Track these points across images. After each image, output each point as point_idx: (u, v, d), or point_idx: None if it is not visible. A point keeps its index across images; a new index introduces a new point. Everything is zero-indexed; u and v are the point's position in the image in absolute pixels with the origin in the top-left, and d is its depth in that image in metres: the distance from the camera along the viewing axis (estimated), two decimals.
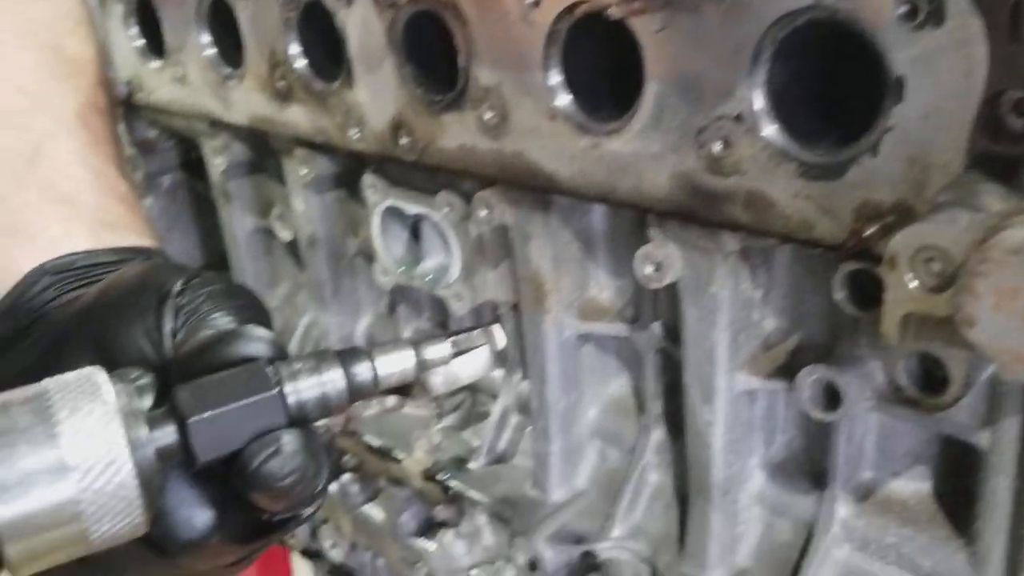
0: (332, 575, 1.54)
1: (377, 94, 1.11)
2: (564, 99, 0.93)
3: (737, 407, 0.98)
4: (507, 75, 0.96)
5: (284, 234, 1.45)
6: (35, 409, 0.50)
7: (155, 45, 1.44)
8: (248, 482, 0.52)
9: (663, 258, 0.92)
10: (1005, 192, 0.59)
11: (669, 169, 0.86)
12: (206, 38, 1.34)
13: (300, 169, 1.32)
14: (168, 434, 0.52)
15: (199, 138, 1.50)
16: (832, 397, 0.88)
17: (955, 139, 0.67)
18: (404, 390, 0.59)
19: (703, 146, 0.82)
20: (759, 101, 0.78)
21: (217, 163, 1.48)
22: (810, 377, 0.89)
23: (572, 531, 1.17)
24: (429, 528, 1.31)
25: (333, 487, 1.41)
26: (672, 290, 0.96)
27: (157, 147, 1.64)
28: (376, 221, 1.25)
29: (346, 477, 1.39)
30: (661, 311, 1.06)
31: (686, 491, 1.06)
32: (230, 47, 1.31)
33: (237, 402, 0.53)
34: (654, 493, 1.14)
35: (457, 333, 0.62)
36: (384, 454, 1.32)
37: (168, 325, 0.60)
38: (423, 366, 0.58)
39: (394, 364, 0.57)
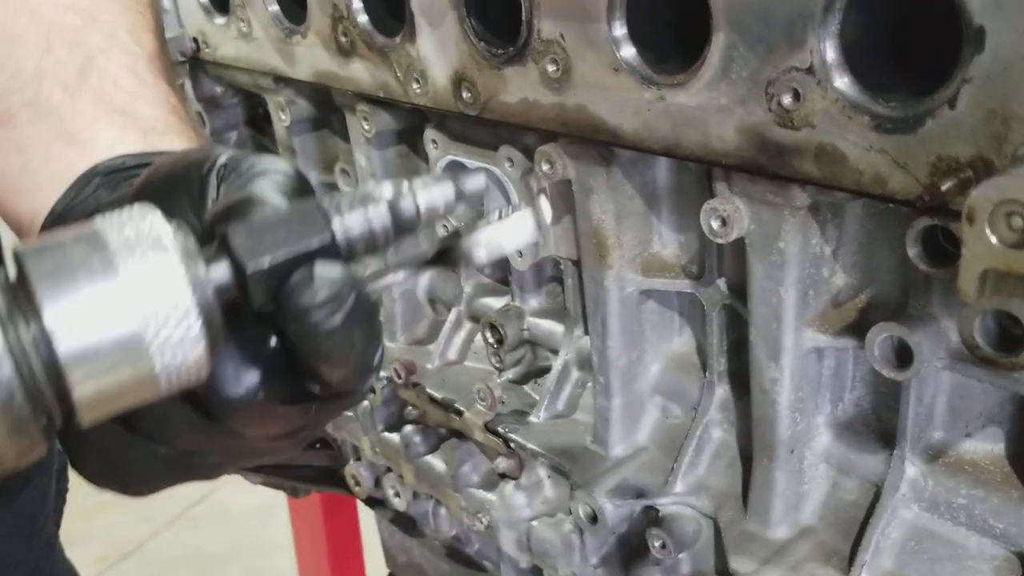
0: (395, 523, 1.57)
1: (439, 48, 1.10)
2: (628, 51, 0.91)
3: (804, 364, 0.96)
4: (570, 27, 0.94)
5: (348, 189, 1.46)
6: (91, 244, 0.47)
7: (220, 2, 1.45)
8: (293, 312, 0.49)
9: (730, 212, 0.91)
10: None
11: (737, 122, 0.84)
12: None
13: (363, 124, 1.32)
14: (222, 271, 0.49)
15: (264, 94, 1.52)
16: (903, 355, 0.86)
17: None
18: (447, 258, 0.57)
19: (772, 98, 0.80)
20: (831, 52, 0.76)
21: (282, 119, 1.49)
22: (881, 335, 0.87)
23: (633, 486, 1.17)
24: (490, 480, 1.32)
25: (395, 436, 1.43)
26: (738, 246, 0.95)
27: (223, 103, 1.66)
28: None
29: (408, 428, 1.41)
30: (726, 267, 1.04)
31: (750, 449, 1.05)
32: (293, 3, 1.31)
33: (291, 237, 0.50)
34: (717, 450, 1.13)
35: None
36: (446, 406, 1.34)
37: (211, 193, 0.57)
38: (461, 195, 0.55)
39: (435, 195, 0.55)
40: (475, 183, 0.57)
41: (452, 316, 1.41)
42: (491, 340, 1.33)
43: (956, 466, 0.95)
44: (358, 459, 1.55)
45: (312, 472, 1.63)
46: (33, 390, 0.45)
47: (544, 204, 0.59)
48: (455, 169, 0.56)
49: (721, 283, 1.05)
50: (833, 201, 0.87)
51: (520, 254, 1.21)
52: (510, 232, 0.57)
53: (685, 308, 1.17)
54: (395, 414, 1.44)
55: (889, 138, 0.74)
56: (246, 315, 0.51)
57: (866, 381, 1.01)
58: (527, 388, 1.34)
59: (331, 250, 0.51)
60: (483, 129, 1.16)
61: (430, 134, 1.24)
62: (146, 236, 0.47)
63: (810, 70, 0.77)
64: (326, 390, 0.54)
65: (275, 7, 1.34)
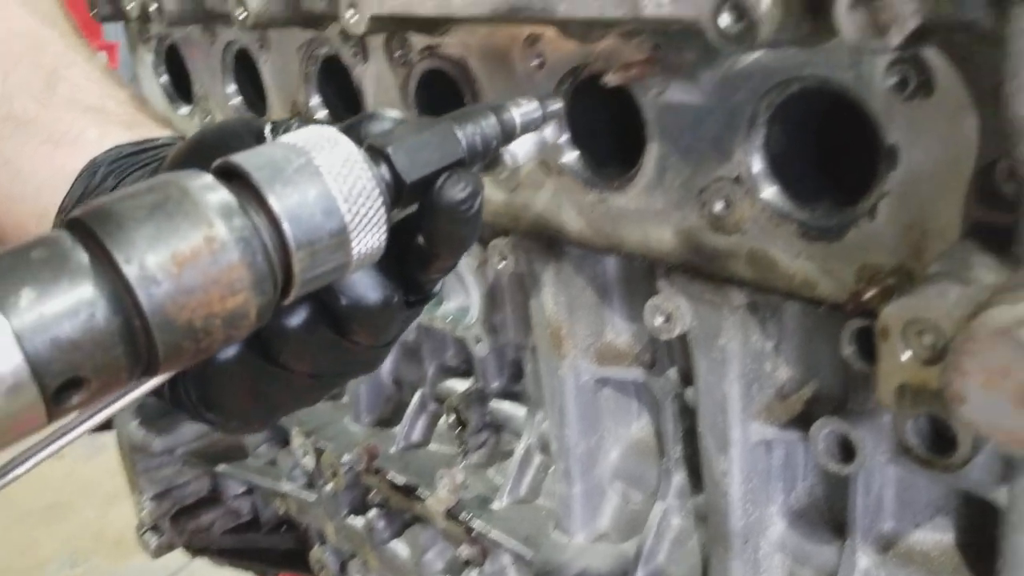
0: None
1: None
2: (571, 155, 0.94)
3: (754, 457, 0.97)
4: None
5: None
6: (294, 152, 0.55)
7: (183, 93, 1.48)
8: (445, 205, 0.60)
9: (672, 310, 0.92)
10: (997, 264, 0.58)
11: (673, 225, 0.86)
12: (231, 87, 1.37)
13: None
14: (384, 172, 0.59)
15: None
16: (847, 450, 0.87)
17: (951, 206, 0.66)
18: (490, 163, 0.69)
19: (705, 205, 0.82)
20: (757, 164, 0.78)
21: None
22: (824, 429, 0.88)
23: (595, 573, 1.17)
24: (455, 566, 1.32)
25: (360, 521, 1.43)
26: (686, 337, 0.96)
27: None
28: None
29: (372, 512, 1.41)
30: (677, 357, 1.06)
31: (708, 536, 1.05)
32: (254, 96, 1.34)
33: (435, 156, 0.61)
34: (677, 537, 1.14)
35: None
36: (408, 492, 1.34)
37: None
38: (546, 115, 0.70)
39: (527, 113, 0.68)
40: (555, 106, 0.71)
41: (416, 398, 1.42)
42: (454, 424, 1.34)
43: (907, 556, 0.95)
44: (323, 543, 1.54)
45: (279, 555, 1.62)
46: (268, 255, 0.53)
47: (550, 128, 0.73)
48: (542, 96, 0.71)
49: (672, 373, 1.06)
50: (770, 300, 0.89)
51: (479, 340, 1.22)
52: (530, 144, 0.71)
53: (643, 394, 1.18)
54: (359, 499, 1.44)
55: (815, 246, 0.76)
56: None
57: (818, 470, 1.02)
58: (491, 472, 1.34)
59: (462, 161, 0.63)
60: None
61: None
62: (334, 142, 0.57)
63: (738, 180, 0.79)
64: (431, 275, 0.65)
65: (237, 99, 1.37)
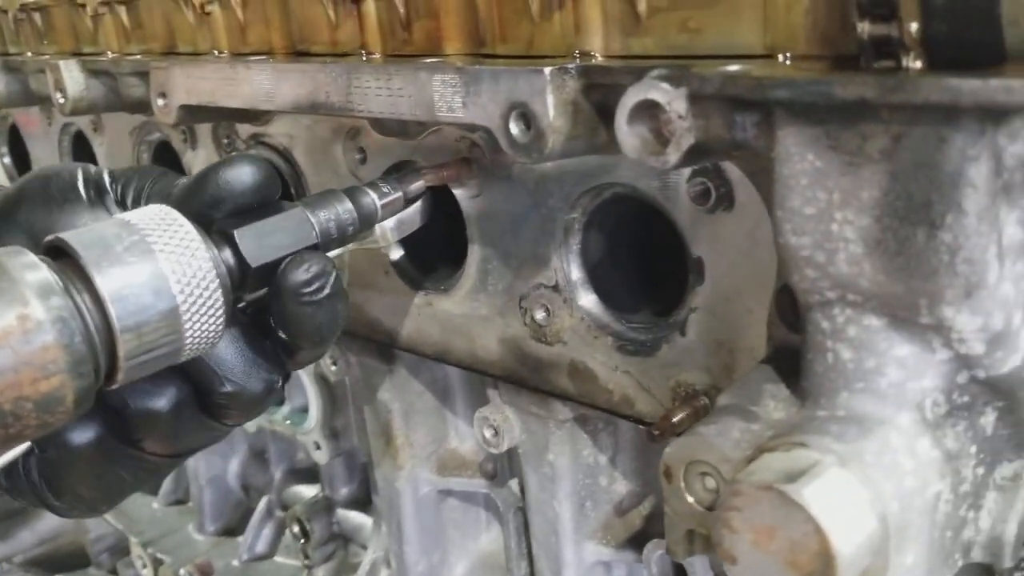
0: None
1: None
2: (396, 253, 0.89)
3: None
4: None
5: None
6: (127, 231, 0.54)
7: (24, 171, 1.40)
8: (289, 288, 0.59)
9: (500, 422, 0.87)
10: (788, 396, 0.55)
11: (498, 333, 0.82)
12: None
13: None
14: (228, 256, 0.58)
15: None
16: (680, 573, 0.82)
17: (757, 324, 0.63)
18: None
19: (526, 312, 0.78)
20: (575, 272, 0.74)
21: None
22: (657, 551, 0.83)
23: None
24: None
25: None
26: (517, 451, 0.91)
27: None
28: None
29: None
30: (518, 467, 1.00)
31: None
32: None
33: (285, 241, 0.61)
34: None
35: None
36: None
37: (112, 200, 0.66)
38: (408, 195, 0.70)
39: (387, 195, 0.68)
40: (418, 188, 0.72)
41: (262, 505, 1.33)
42: (298, 535, 1.25)
43: None
44: None
45: None
46: (89, 336, 0.50)
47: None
48: (404, 174, 0.72)
49: (514, 484, 1.00)
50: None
51: (318, 446, 1.15)
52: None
53: (491, 504, 1.12)
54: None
55: (632, 360, 0.72)
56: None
57: None
58: None
59: (316, 246, 0.62)
60: None
61: None
62: (171, 222, 0.55)
63: (556, 288, 0.75)
64: (299, 361, 0.64)
65: None
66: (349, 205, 0.65)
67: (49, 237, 0.54)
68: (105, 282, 0.51)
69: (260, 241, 0.59)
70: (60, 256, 0.53)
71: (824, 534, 0.43)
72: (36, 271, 0.50)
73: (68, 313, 0.49)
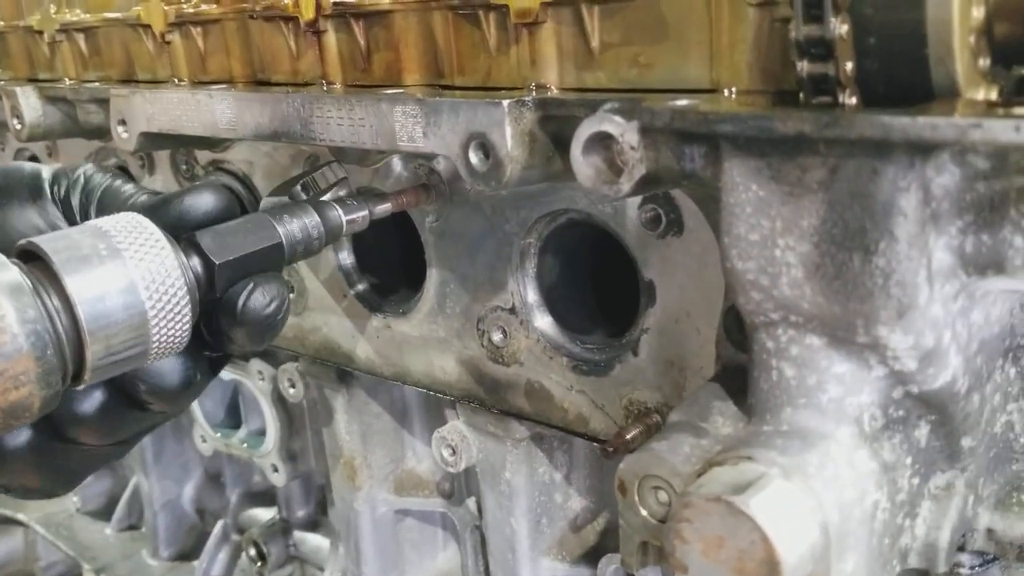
0: None
1: None
2: (356, 278, 0.91)
3: None
4: None
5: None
6: (98, 237, 0.54)
7: None
8: (250, 316, 0.60)
9: (458, 442, 0.88)
10: (736, 412, 0.57)
11: (456, 355, 0.83)
12: None
13: None
14: (197, 264, 0.59)
15: None
16: None
17: (705, 344, 0.66)
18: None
19: (484, 334, 0.80)
20: (531, 294, 0.77)
21: None
22: (611, 566, 0.85)
23: None
24: None
25: None
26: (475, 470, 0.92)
27: None
28: None
29: None
30: (475, 486, 1.02)
31: None
32: None
33: (248, 240, 0.61)
34: None
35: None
36: None
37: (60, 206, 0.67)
38: (372, 215, 0.70)
39: (353, 211, 0.69)
40: (383, 210, 0.72)
41: (217, 529, 1.32)
42: (254, 558, 1.25)
43: None
44: None
45: None
46: (59, 344, 0.51)
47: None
48: (368, 195, 0.72)
49: (471, 503, 1.02)
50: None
51: (275, 468, 1.15)
52: None
53: (449, 523, 1.13)
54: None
55: (586, 379, 0.75)
56: None
57: None
58: None
59: (278, 249, 0.63)
60: None
61: None
62: (142, 230, 0.56)
63: (513, 310, 0.77)
64: (222, 360, 0.66)
65: None
66: (316, 218, 0.66)
67: (21, 241, 0.55)
68: (75, 286, 0.52)
69: (223, 240, 0.60)
70: (31, 259, 0.54)
71: (770, 543, 0.46)
72: (7, 271, 0.51)
73: (42, 326, 0.50)
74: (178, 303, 0.56)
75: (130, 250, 0.55)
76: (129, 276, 0.54)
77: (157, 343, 0.56)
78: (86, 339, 0.52)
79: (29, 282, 0.51)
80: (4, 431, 0.51)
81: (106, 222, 0.57)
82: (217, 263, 0.59)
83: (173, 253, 0.57)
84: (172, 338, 0.57)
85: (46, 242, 0.54)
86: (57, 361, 0.51)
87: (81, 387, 0.55)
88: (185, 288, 0.57)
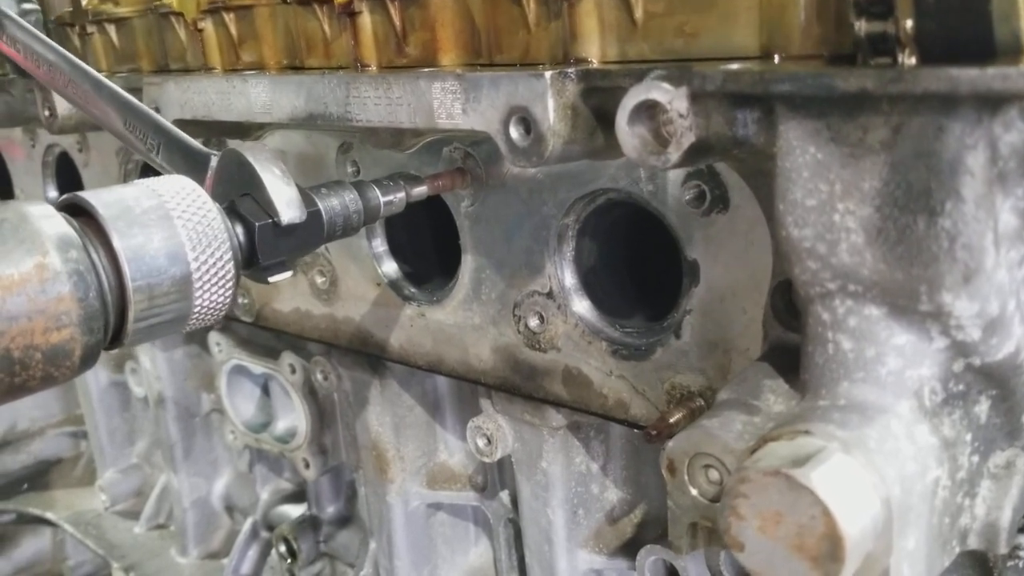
0: None
1: None
2: (389, 266, 0.90)
3: None
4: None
5: (138, 390, 1.38)
6: (148, 195, 0.55)
7: (6, 196, 1.39)
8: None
9: (493, 431, 0.87)
10: (788, 390, 0.56)
11: (491, 342, 0.82)
12: (52, 192, 1.29)
13: None
14: (240, 231, 0.59)
15: None
16: None
17: (751, 325, 0.64)
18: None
19: (520, 320, 0.79)
20: (569, 278, 0.75)
21: None
22: (650, 557, 0.84)
23: None
24: None
25: None
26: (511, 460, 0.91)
27: None
28: (223, 380, 1.18)
29: None
30: (508, 480, 1.00)
31: None
32: None
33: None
34: None
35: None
36: None
37: None
38: (409, 197, 0.71)
39: (391, 193, 0.69)
40: (420, 192, 0.72)
41: (247, 526, 1.31)
42: (285, 555, 1.24)
43: None
44: None
45: None
46: (102, 293, 0.51)
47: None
48: (406, 177, 0.72)
49: (504, 496, 1.01)
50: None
51: (306, 463, 1.14)
52: None
53: (480, 517, 1.12)
54: None
55: (626, 364, 0.73)
56: None
57: None
58: None
59: (317, 217, 0.63)
60: (268, 333, 1.11)
61: (214, 337, 1.18)
62: (189, 191, 0.56)
63: (550, 295, 0.76)
64: None
65: None
66: (355, 194, 0.67)
67: (67, 195, 0.55)
68: (122, 241, 0.52)
69: (264, 207, 0.61)
70: (79, 214, 0.54)
71: (832, 516, 0.44)
72: (56, 222, 0.51)
73: (85, 267, 0.50)
74: (223, 268, 0.56)
75: (178, 211, 0.55)
76: (177, 235, 0.54)
77: (199, 308, 0.56)
78: (130, 296, 0.52)
79: (76, 234, 0.52)
80: (45, 384, 0.50)
81: (156, 182, 0.57)
82: (257, 224, 0.59)
83: (221, 219, 0.57)
84: (213, 304, 0.57)
85: (94, 196, 0.54)
86: (100, 308, 0.51)
87: (120, 348, 0.55)
88: (231, 254, 0.57)
